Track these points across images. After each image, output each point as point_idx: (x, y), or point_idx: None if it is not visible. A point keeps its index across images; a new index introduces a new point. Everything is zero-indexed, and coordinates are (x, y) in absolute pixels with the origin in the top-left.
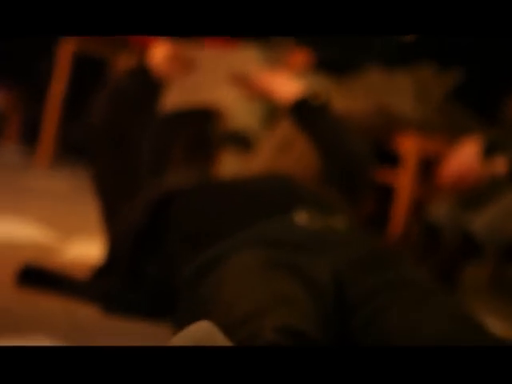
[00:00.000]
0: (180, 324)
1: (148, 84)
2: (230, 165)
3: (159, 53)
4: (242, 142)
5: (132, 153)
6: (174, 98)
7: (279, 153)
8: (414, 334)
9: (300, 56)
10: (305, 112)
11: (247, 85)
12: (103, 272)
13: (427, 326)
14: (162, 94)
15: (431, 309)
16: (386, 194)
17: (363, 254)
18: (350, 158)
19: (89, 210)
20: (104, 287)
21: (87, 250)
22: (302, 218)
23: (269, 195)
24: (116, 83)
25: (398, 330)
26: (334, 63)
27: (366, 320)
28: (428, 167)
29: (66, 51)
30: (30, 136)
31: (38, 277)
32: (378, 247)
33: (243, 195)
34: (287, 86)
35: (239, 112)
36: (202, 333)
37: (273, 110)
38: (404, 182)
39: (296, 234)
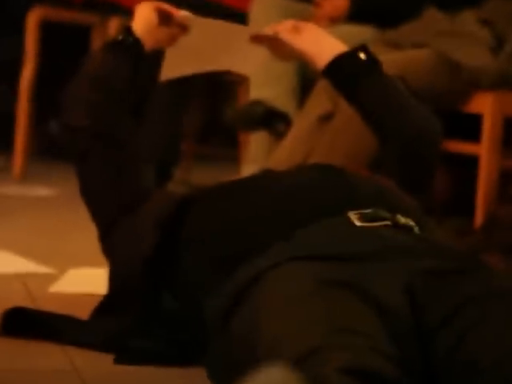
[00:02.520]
0: (218, 365)
1: (134, 59)
2: (256, 153)
3: (144, 14)
4: (278, 119)
5: (128, 147)
6: (175, 68)
7: (317, 132)
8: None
9: (331, 6)
10: (348, 71)
11: (273, 44)
12: (106, 309)
13: None
14: (158, 65)
15: None
16: (463, 171)
17: (440, 259)
18: (413, 131)
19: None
20: (109, 329)
21: (84, 280)
22: (358, 219)
23: (313, 192)
24: (94, 67)
25: (493, 357)
26: (375, 12)
27: (451, 343)
28: None
29: (33, 21)
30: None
31: (27, 321)
32: (457, 247)
33: (280, 194)
34: (323, 40)
35: (263, 81)
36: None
37: (307, 76)
38: (487, 152)
39: (354, 241)
